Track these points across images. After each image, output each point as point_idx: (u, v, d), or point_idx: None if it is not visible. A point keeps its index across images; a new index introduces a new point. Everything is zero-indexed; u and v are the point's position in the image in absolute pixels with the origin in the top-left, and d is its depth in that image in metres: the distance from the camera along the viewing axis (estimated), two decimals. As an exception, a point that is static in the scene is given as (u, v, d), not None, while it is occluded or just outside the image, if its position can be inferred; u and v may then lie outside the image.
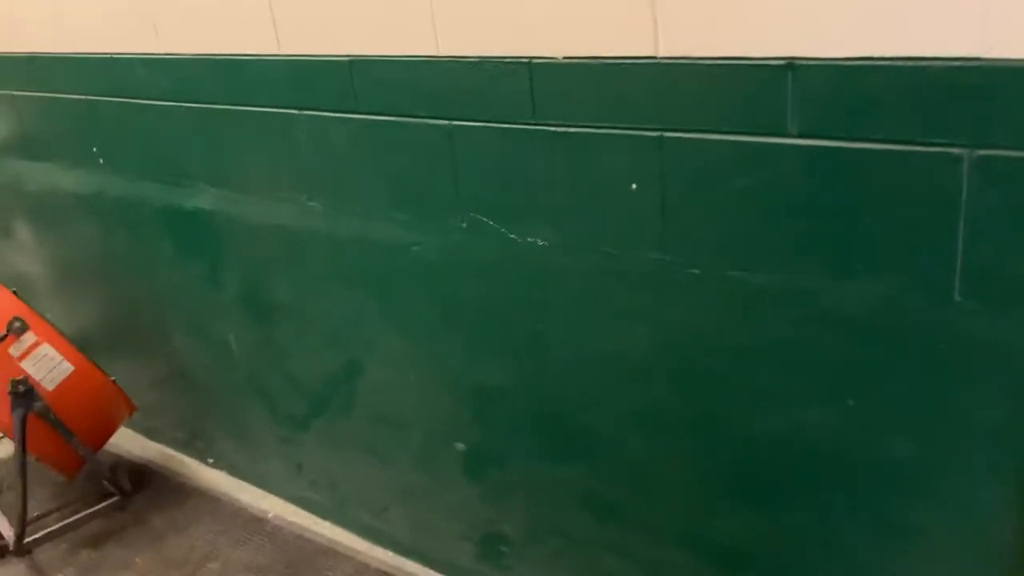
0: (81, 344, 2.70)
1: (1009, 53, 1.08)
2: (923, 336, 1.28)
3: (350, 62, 1.79)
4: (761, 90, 1.29)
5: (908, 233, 1.24)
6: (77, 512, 2.76)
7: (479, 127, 1.65)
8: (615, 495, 1.82)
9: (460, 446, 2.08)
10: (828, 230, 1.31)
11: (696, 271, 1.48)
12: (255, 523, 2.67)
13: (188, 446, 3.03)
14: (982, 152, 1.14)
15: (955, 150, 1.16)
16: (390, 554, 2.44)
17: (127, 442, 3.17)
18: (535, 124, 1.56)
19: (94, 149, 2.58)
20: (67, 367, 2.57)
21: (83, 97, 2.51)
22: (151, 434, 3.18)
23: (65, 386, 2.56)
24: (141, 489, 2.91)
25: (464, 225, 1.77)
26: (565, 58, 1.47)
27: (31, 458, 2.55)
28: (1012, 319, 1.20)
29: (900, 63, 1.16)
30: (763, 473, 1.56)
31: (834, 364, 1.39)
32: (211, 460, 2.96)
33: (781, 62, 1.26)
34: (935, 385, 1.30)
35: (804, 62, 1.24)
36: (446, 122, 1.69)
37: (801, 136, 1.28)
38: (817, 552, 1.55)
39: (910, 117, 1.18)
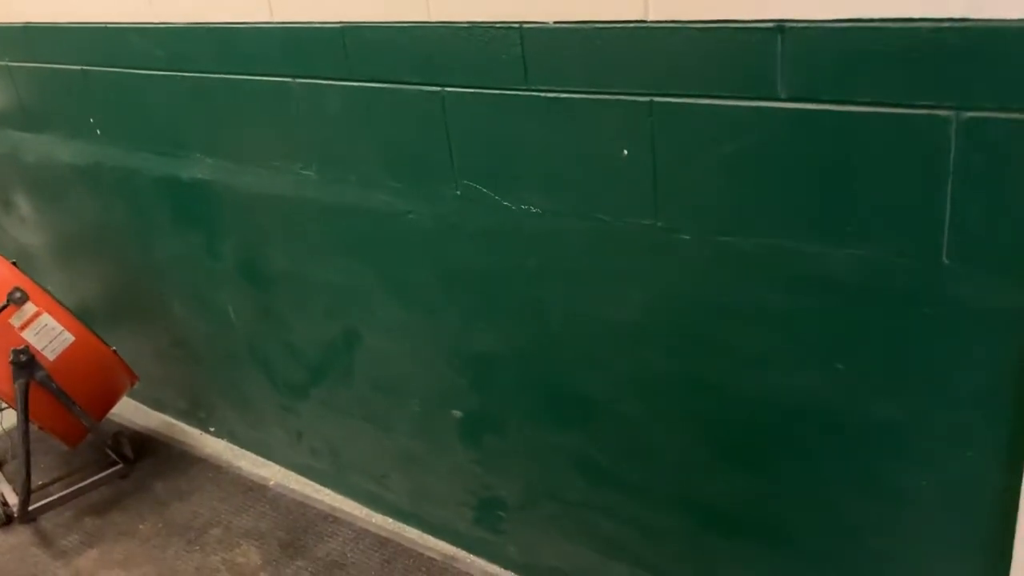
0: (82, 315, 2.72)
1: (997, 14, 1.07)
2: (911, 299, 1.29)
3: (342, 28, 1.78)
4: (751, 53, 1.28)
5: (897, 196, 1.24)
6: (81, 480, 2.80)
7: (472, 93, 1.65)
8: (610, 459, 1.84)
9: (457, 413, 2.10)
10: (817, 194, 1.31)
11: (687, 236, 1.48)
12: (256, 490, 2.70)
13: (190, 415, 3.07)
14: (970, 114, 1.14)
15: (943, 112, 1.16)
16: (389, 520, 2.48)
17: (130, 412, 3.20)
18: (527, 90, 1.56)
19: (91, 120, 2.58)
20: (68, 337, 2.59)
21: (79, 67, 2.50)
22: (153, 404, 3.22)
23: (66, 356, 2.58)
24: (144, 458, 2.95)
25: (458, 192, 1.78)
26: (556, 22, 1.47)
27: (34, 427, 2.58)
28: (999, 282, 1.20)
29: (889, 24, 1.16)
30: (754, 436, 1.58)
31: (823, 327, 1.40)
32: (213, 429, 2.99)
33: (771, 24, 1.25)
34: (922, 348, 1.31)
35: (794, 24, 1.23)
36: (439, 88, 1.69)
37: (791, 99, 1.28)
38: (808, 513, 1.57)
39: (899, 79, 1.18)
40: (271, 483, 2.73)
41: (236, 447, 2.92)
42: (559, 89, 1.52)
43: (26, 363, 2.47)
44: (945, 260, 1.24)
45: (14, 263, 2.65)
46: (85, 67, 2.48)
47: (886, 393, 1.38)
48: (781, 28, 1.24)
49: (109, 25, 2.32)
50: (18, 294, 2.50)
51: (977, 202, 1.19)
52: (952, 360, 1.29)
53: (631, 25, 1.38)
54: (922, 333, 1.30)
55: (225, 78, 2.10)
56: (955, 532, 1.41)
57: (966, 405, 1.31)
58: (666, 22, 1.35)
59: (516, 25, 1.51)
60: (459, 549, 2.32)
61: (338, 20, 1.78)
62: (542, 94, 1.54)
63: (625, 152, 1.49)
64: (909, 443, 1.39)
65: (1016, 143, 1.12)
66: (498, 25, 1.54)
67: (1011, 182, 1.15)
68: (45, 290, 2.63)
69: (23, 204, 3.18)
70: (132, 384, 2.87)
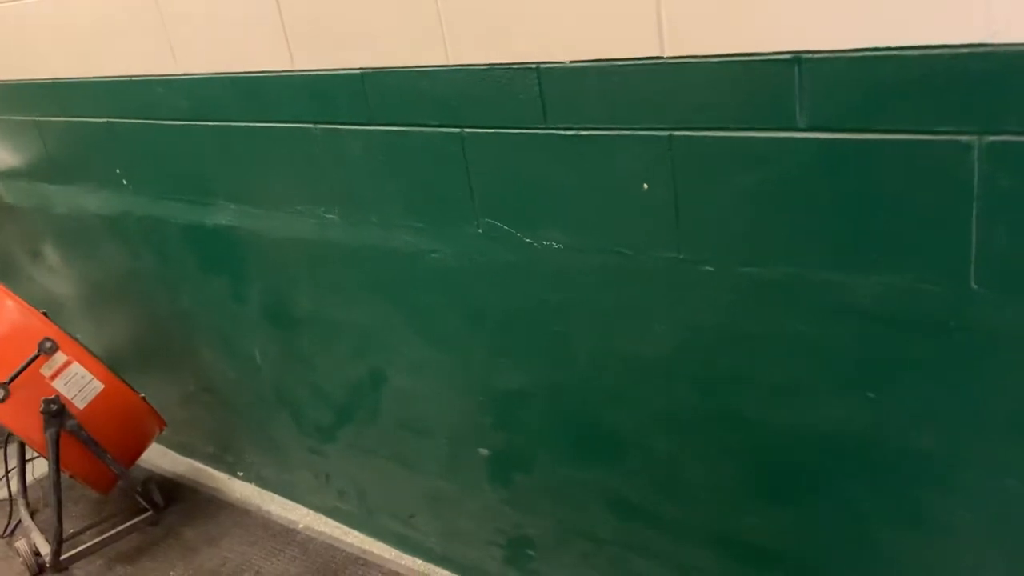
0: (110, 362, 2.75)
1: (1014, 38, 1.07)
2: (940, 326, 1.28)
3: (362, 74, 1.81)
4: (768, 85, 1.29)
5: (921, 222, 1.23)
6: (112, 528, 2.80)
7: (491, 133, 1.66)
8: (640, 495, 1.82)
9: (484, 451, 2.09)
10: (840, 222, 1.31)
11: (711, 268, 1.48)
12: (286, 534, 2.70)
13: (218, 460, 3.07)
14: (992, 138, 1.14)
15: (965, 137, 1.15)
16: (419, 561, 2.46)
17: (158, 457, 3.22)
18: (546, 128, 1.58)
19: (117, 171, 2.63)
20: (97, 385, 2.61)
21: (105, 120, 2.55)
22: (181, 449, 3.23)
23: (96, 404, 2.60)
24: (173, 503, 2.95)
25: (480, 231, 1.79)
26: (572, 62, 1.48)
27: (65, 475, 2.60)
28: (1030, 305, 1.19)
29: (906, 52, 1.16)
30: (786, 469, 1.56)
31: (852, 357, 1.38)
32: (241, 473, 3.00)
33: (787, 56, 1.26)
34: (954, 375, 1.30)
35: (810, 55, 1.24)
36: (458, 129, 1.71)
37: (810, 129, 1.28)
38: (843, 546, 1.54)
39: (918, 106, 1.17)
40: (300, 526, 2.72)
41: (264, 491, 2.92)
42: (578, 127, 1.53)
43: (57, 412, 2.50)
44: (973, 285, 1.22)
45: (44, 313, 2.69)
46: (111, 119, 2.53)
47: (920, 422, 1.36)
48: (798, 59, 1.25)
49: (135, 78, 2.37)
50: (48, 344, 2.53)
51: (1003, 226, 1.18)
52: (986, 387, 1.28)
53: (648, 62, 1.39)
54: (954, 360, 1.29)
55: (248, 126, 2.14)
56: (997, 565, 1.37)
57: (1003, 433, 1.28)
58: (682, 57, 1.36)
59: (533, 66, 1.53)
60: (490, 589, 2.30)
61: (358, 66, 1.81)
62: (561, 132, 1.56)
63: (645, 186, 1.50)
64: (944, 473, 1.36)
65: (1041, 166, 1.12)
66: (516, 66, 1.56)
67: (1037, 205, 1.14)
68: (74, 338, 2.67)
69: (52, 254, 3.23)
70: (161, 430, 2.89)
